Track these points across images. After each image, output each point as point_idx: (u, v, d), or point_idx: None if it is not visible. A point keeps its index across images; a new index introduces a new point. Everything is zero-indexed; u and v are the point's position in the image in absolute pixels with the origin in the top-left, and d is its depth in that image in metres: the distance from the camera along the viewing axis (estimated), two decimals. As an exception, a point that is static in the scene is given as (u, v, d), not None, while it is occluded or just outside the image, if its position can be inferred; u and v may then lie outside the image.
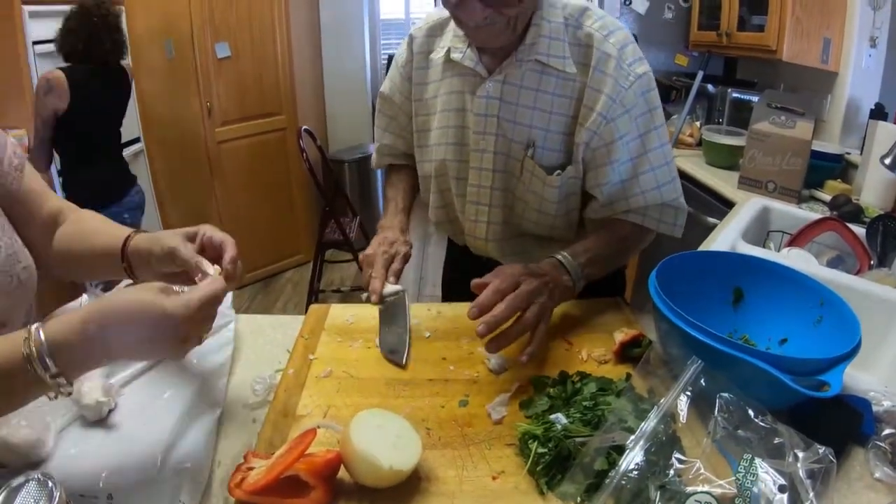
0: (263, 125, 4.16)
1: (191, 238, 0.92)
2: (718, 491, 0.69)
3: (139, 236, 0.97)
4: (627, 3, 3.44)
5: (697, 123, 3.29)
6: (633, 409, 0.82)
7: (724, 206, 2.44)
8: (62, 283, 1.22)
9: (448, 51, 1.27)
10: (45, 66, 2.86)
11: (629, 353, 1.06)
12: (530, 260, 1.37)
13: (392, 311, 1.17)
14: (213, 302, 0.79)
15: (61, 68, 2.70)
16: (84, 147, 2.82)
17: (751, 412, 0.77)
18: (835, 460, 0.72)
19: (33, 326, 0.70)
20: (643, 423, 0.76)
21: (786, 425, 0.76)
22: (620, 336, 1.07)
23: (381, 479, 0.76)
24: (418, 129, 1.39)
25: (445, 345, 1.13)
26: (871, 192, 2.25)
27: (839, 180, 2.47)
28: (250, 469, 0.77)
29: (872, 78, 2.74)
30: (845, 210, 2.08)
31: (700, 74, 3.06)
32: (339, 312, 1.23)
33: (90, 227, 1.04)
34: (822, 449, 0.72)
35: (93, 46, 2.76)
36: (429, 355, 1.09)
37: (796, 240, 1.67)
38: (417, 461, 0.78)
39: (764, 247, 1.79)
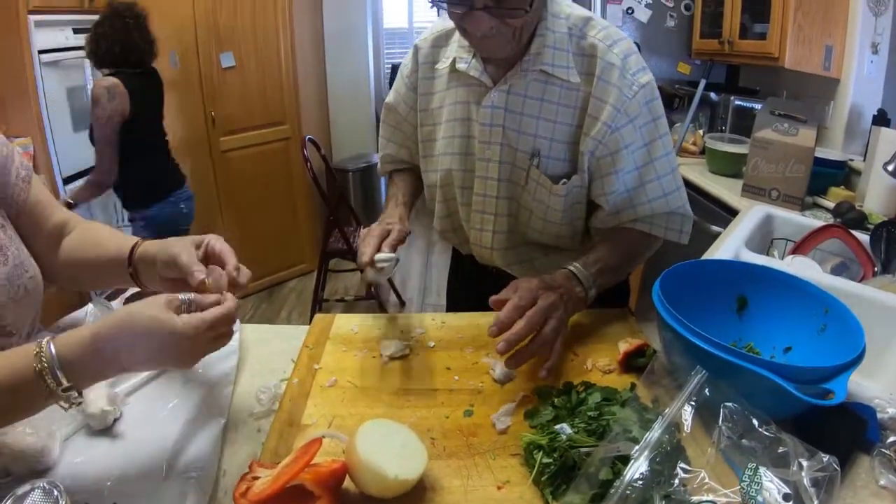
0: (267, 134, 4.18)
1: (197, 245, 0.93)
2: (723, 500, 0.69)
3: (146, 244, 0.99)
4: (630, 11, 3.45)
5: (700, 131, 3.30)
6: (638, 418, 0.82)
7: (727, 213, 2.44)
8: (66, 292, 1.23)
9: (453, 61, 1.27)
10: (50, 75, 2.89)
11: (634, 362, 1.05)
12: (535, 268, 1.38)
13: (379, 274, 1.14)
14: (224, 322, 0.80)
15: (110, 74, 2.73)
16: (140, 147, 2.87)
17: (755, 421, 0.77)
18: (839, 468, 0.72)
19: (44, 341, 0.73)
20: (648, 433, 0.76)
21: (790, 434, 0.76)
22: (625, 346, 1.07)
23: (387, 488, 0.76)
24: (424, 140, 1.40)
25: (450, 355, 1.13)
26: (874, 199, 2.24)
27: (842, 187, 2.47)
28: (255, 478, 0.77)
29: (874, 84, 2.75)
30: (849, 217, 2.08)
31: (703, 82, 3.06)
32: (343, 322, 1.23)
33: (98, 236, 1.06)
34: (826, 457, 0.72)
35: (130, 49, 2.78)
36: (434, 365, 1.10)
37: (800, 247, 1.67)
38: (423, 471, 0.78)
39: (768, 254, 1.79)
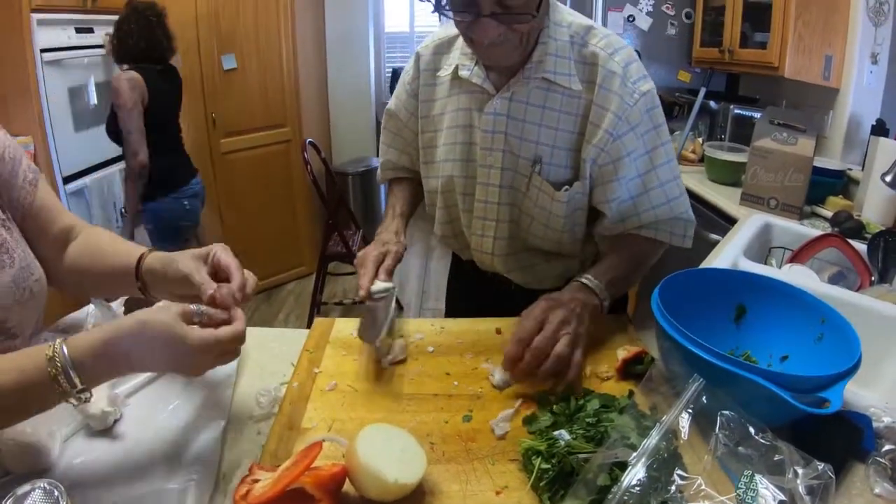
0: (268, 137, 4.18)
1: (203, 259, 0.94)
2: (720, 507, 0.70)
3: (151, 257, 1.00)
4: (631, 19, 3.47)
5: (700, 139, 3.31)
6: (636, 425, 0.82)
7: (726, 222, 2.45)
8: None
9: (456, 68, 1.28)
10: (52, 74, 2.90)
11: (632, 370, 1.06)
12: (536, 274, 1.38)
13: (376, 306, 1.17)
14: (233, 340, 0.83)
15: (131, 69, 2.87)
16: (156, 140, 2.96)
17: (751, 429, 0.78)
18: (833, 476, 0.73)
19: (56, 343, 0.75)
20: (645, 440, 0.77)
21: (786, 442, 0.77)
22: (623, 353, 1.08)
23: (387, 492, 0.76)
24: (425, 146, 1.41)
25: (449, 360, 1.13)
26: (872, 208, 2.26)
27: (841, 196, 2.48)
28: (256, 481, 0.77)
29: (874, 94, 2.76)
30: (847, 226, 2.09)
31: (703, 91, 3.07)
32: (343, 326, 1.24)
33: (102, 246, 1.06)
34: (821, 465, 0.73)
35: (153, 45, 2.93)
36: (433, 370, 1.10)
37: (798, 256, 1.67)
38: (422, 475, 0.79)
39: (766, 263, 1.80)
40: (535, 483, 0.80)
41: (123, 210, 3.15)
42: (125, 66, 2.92)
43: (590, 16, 3.43)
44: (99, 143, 3.23)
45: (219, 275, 0.94)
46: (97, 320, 1.12)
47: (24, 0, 2.70)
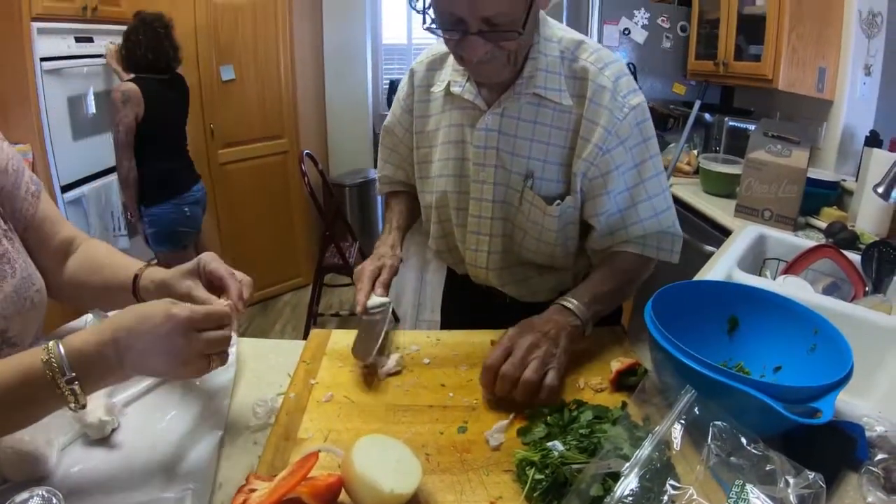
0: (265, 148, 4.19)
1: (195, 273, 0.96)
2: (712, 517, 0.70)
3: (146, 279, 1.01)
4: (626, 32, 3.49)
5: (695, 152, 3.33)
6: (629, 436, 0.83)
7: (720, 233, 2.46)
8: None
9: (448, 84, 1.29)
10: (52, 83, 2.92)
11: (625, 381, 1.07)
12: (530, 287, 1.39)
13: (372, 321, 1.19)
14: (217, 319, 0.83)
15: (130, 80, 2.96)
16: (156, 147, 3.05)
17: (743, 440, 0.78)
18: (824, 485, 0.73)
19: (51, 343, 0.75)
20: (638, 451, 0.77)
21: (777, 452, 0.77)
22: (617, 365, 1.08)
23: (382, 502, 0.77)
24: (420, 161, 1.42)
25: (445, 371, 1.14)
26: (866, 219, 2.27)
27: (835, 207, 2.50)
28: (252, 491, 0.78)
29: (867, 106, 2.78)
30: (841, 237, 2.10)
31: (697, 103, 3.09)
32: (340, 338, 1.24)
33: (99, 259, 1.07)
34: (812, 475, 0.74)
35: (159, 55, 3.03)
36: (428, 382, 1.11)
37: (792, 267, 1.68)
38: (417, 486, 0.79)
39: (760, 275, 1.81)
40: (528, 493, 0.81)
41: (130, 214, 3.21)
42: (130, 76, 3.00)
43: (585, 29, 3.48)
44: (97, 152, 3.24)
45: (213, 283, 0.95)
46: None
47: (24, 9, 2.73)
